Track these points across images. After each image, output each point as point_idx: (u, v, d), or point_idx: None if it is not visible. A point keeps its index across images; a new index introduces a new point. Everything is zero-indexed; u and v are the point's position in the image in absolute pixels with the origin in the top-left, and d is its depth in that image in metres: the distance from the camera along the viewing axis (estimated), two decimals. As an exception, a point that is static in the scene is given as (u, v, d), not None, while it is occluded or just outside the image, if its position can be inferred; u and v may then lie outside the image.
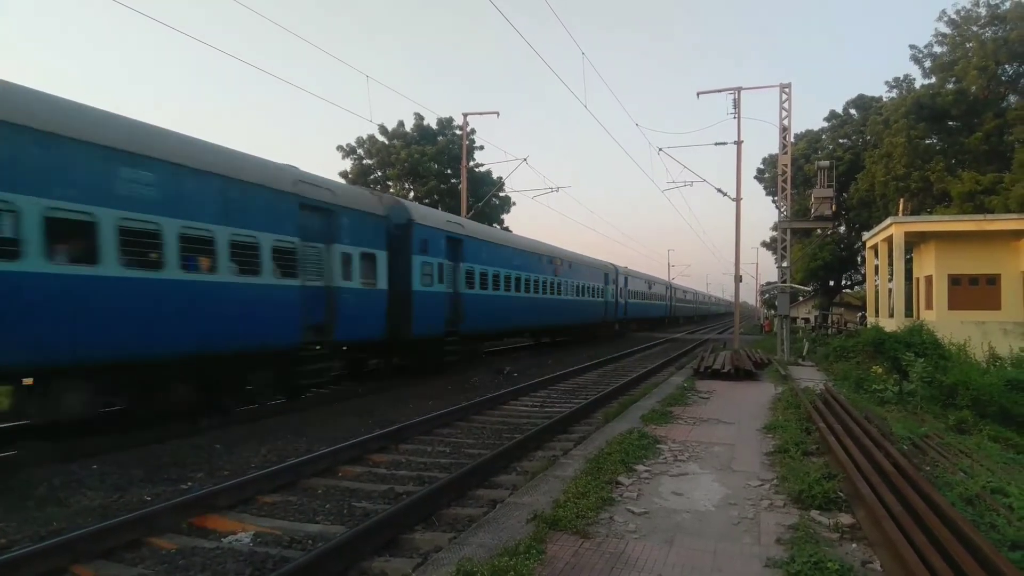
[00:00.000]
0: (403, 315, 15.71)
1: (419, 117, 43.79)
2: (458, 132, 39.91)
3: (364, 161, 44.19)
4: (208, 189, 10.31)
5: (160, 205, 9.39)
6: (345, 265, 13.46)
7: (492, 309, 21.28)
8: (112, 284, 8.72)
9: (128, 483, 7.51)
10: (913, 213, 31.39)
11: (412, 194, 42.42)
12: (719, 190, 26.98)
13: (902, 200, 32.22)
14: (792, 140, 26.78)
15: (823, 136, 48.92)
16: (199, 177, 10.13)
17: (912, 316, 26.18)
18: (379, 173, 44.09)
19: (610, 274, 37.87)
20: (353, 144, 44.11)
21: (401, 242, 15.89)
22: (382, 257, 14.86)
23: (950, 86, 35.59)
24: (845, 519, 5.54)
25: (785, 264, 26.08)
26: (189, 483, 7.63)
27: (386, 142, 43.52)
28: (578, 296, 31.62)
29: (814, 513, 5.76)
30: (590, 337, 35.61)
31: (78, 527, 5.87)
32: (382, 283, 14.82)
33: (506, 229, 42.41)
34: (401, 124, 43.75)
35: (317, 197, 12.83)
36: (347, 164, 44.05)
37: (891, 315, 27.27)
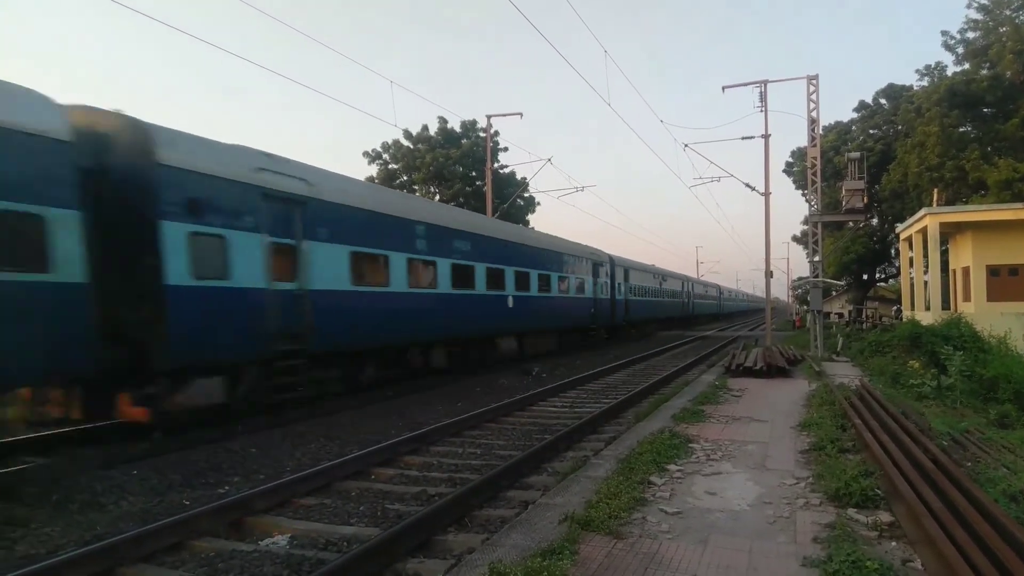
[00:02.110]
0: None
1: (443, 120, 44.09)
2: (482, 134, 40.00)
3: (390, 166, 44.61)
4: None
5: None
6: None
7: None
8: None
9: (167, 488, 7.67)
10: (948, 203, 30.66)
11: (438, 197, 42.69)
12: (747, 185, 26.72)
13: (936, 190, 31.51)
14: (821, 132, 26.38)
15: (853, 127, 48.00)
16: None
17: (949, 309, 25.55)
18: (405, 177, 44.46)
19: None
20: (379, 149, 44.58)
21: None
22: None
23: (984, 72, 34.67)
24: (884, 517, 5.44)
25: (817, 258, 25.74)
26: (226, 487, 7.76)
27: (411, 146, 43.87)
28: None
29: (851, 511, 5.66)
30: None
31: (120, 531, 6.02)
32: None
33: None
34: (425, 128, 44.07)
35: None
36: (373, 169, 44.54)
37: (927, 308, 26.66)
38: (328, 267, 12.52)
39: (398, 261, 14.86)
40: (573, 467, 7.68)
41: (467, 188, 43.20)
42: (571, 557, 4.63)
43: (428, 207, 19.55)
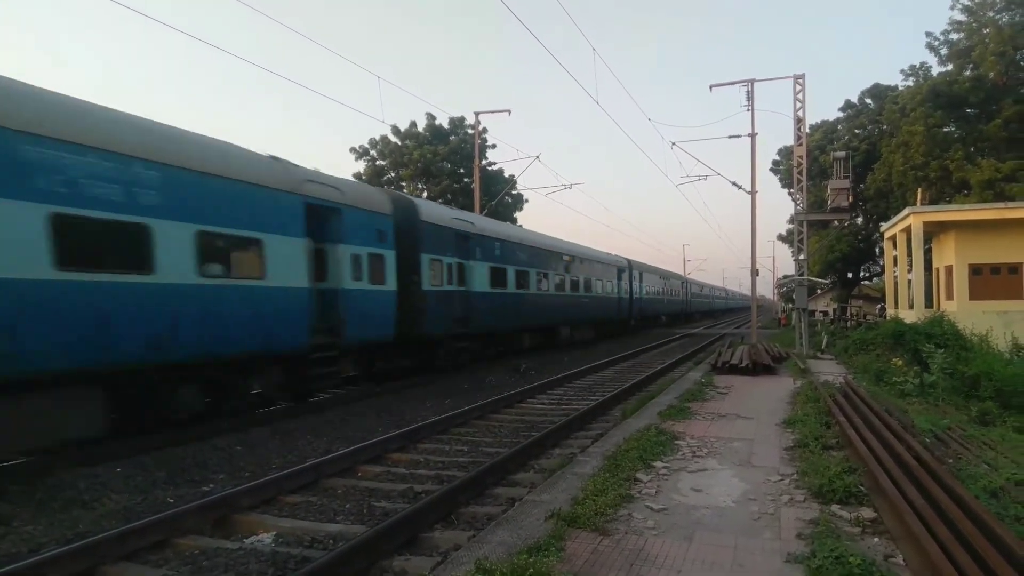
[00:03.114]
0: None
1: (431, 117, 43.93)
2: (470, 131, 39.94)
3: (377, 162, 44.40)
4: None
5: None
6: None
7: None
8: None
9: (151, 485, 7.61)
10: (931, 202, 30.98)
11: (425, 193, 42.60)
12: (734, 183, 26.85)
13: (920, 189, 31.82)
14: (807, 131, 26.54)
15: (839, 126, 48.36)
16: None
17: (932, 307, 25.82)
18: (392, 174, 44.28)
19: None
20: (366, 145, 44.36)
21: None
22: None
23: (967, 73, 35.03)
24: (867, 513, 5.49)
25: (802, 257, 25.87)
26: (211, 484, 7.71)
27: (399, 143, 43.68)
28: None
29: (835, 507, 5.71)
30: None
31: (103, 529, 5.96)
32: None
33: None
34: (413, 124, 43.91)
35: None
36: (361, 165, 44.34)
37: (911, 306, 26.95)
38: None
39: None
40: (560, 464, 7.70)
41: (455, 185, 43.10)
42: (557, 554, 4.64)
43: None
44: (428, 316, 16.25)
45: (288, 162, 12.46)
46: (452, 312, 17.42)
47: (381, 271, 14.34)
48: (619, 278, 35.03)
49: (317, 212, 12.51)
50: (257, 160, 11.65)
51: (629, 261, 37.34)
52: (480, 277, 19.09)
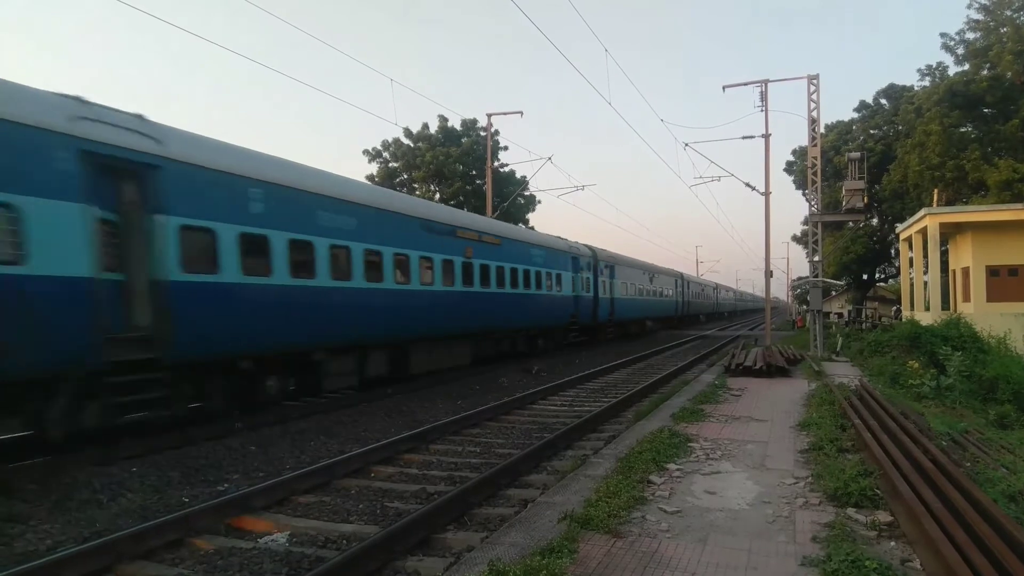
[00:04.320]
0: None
1: (443, 119, 43.99)
2: (482, 133, 40.00)
3: (390, 164, 44.55)
4: None
5: None
6: None
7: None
8: None
9: (166, 485, 7.67)
10: (948, 203, 30.66)
11: (438, 195, 42.71)
12: (748, 184, 26.69)
13: (936, 190, 31.50)
14: (821, 132, 26.36)
15: (853, 127, 47.92)
16: None
17: (949, 309, 25.56)
18: (405, 176, 44.42)
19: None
20: (379, 147, 44.50)
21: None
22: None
23: (984, 73, 34.63)
24: (883, 517, 5.44)
25: (817, 258, 25.70)
26: (225, 484, 7.77)
27: (411, 144, 43.79)
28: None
29: (850, 511, 5.66)
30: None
31: (119, 528, 6.02)
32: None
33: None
34: (426, 126, 44.00)
35: None
36: (374, 167, 44.51)
37: (927, 308, 26.68)
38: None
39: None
40: (572, 466, 7.69)
41: (467, 187, 43.14)
42: (570, 556, 4.63)
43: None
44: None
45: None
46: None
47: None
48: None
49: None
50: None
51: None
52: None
